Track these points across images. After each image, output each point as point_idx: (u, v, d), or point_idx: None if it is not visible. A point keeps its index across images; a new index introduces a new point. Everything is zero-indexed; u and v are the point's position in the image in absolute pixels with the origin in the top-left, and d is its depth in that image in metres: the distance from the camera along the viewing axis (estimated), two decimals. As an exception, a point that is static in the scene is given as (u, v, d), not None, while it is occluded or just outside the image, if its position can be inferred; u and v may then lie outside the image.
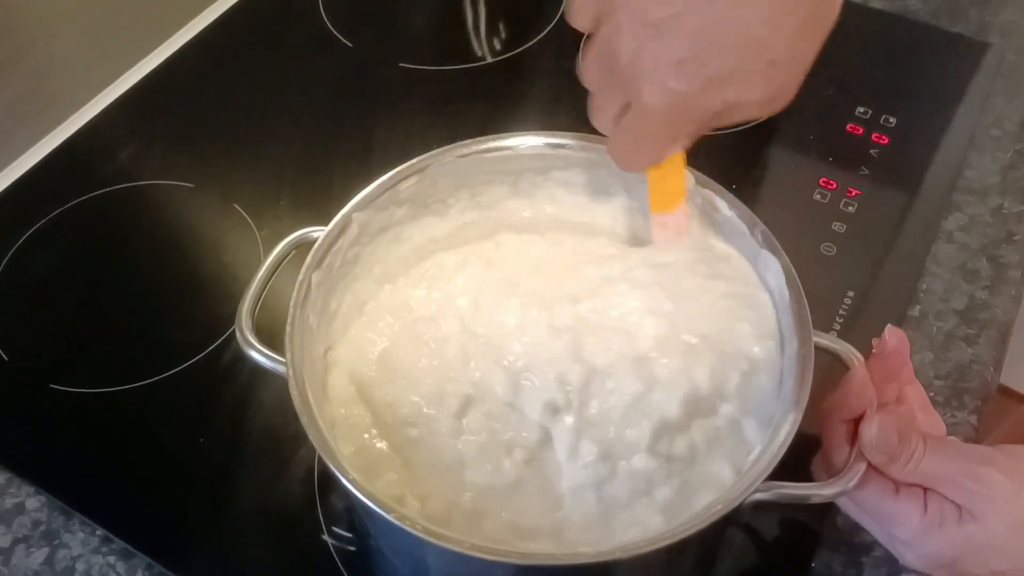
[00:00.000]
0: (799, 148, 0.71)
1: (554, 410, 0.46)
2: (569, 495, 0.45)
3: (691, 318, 0.48)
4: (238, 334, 0.47)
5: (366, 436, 0.47)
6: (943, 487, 0.41)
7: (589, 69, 0.45)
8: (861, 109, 0.73)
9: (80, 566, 0.53)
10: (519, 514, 0.45)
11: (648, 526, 0.43)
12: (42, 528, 0.55)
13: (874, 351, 0.46)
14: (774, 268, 0.48)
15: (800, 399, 0.43)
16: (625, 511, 0.44)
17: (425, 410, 0.47)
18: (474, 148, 0.53)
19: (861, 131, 0.72)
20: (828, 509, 0.51)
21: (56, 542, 0.54)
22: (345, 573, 0.51)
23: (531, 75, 0.79)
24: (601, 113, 0.46)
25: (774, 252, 0.48)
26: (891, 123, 0.72)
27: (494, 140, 0.53)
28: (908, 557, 0.43)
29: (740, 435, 0.46)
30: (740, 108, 0.42)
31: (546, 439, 0.46)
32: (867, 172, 0.69)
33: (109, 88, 0.77)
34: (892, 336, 0.45)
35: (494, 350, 0.48)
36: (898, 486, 0.42)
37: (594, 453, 0.45)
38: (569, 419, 0.46)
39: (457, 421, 0.46)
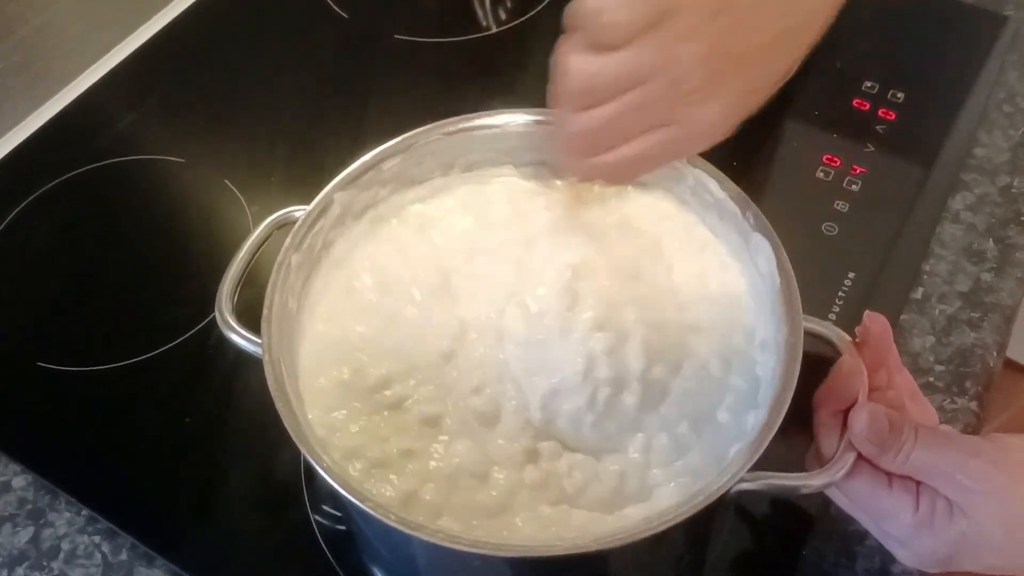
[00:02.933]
0: (803, 124, 0.69)
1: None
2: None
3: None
4: (218, 316, 0.47)
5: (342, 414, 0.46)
6: (934, 480, 0.40)
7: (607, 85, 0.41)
8: (868, 84, 0.71)
9: (65, 545, 0.53)
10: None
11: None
12: (28, 507, 0.54)
13: (856, 339, 0.44)
14: (765, 251, 0.46)
15: (788, 386, 0.42)
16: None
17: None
18: (461, 126, 0.51)
19: (868, 107, 0.70)
20: (823, 496, 0.50)
21: (42, 521, 0.54)
22: (329, 554, 0.51)
23: (536, 46, 0.77)
24: (617, 133, 0.42)
25: (766, 235, 0.47)
26: (899, 98, 0.70)
27: (481, 118, 0.52)
28: (902, 555, 0.42)
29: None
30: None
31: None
32: (872, 149, 0.67)
33: (101, 61, 0.76)
34: (874, 322, 0.44)
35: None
36: (891, 479, 0.41)
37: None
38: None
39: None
